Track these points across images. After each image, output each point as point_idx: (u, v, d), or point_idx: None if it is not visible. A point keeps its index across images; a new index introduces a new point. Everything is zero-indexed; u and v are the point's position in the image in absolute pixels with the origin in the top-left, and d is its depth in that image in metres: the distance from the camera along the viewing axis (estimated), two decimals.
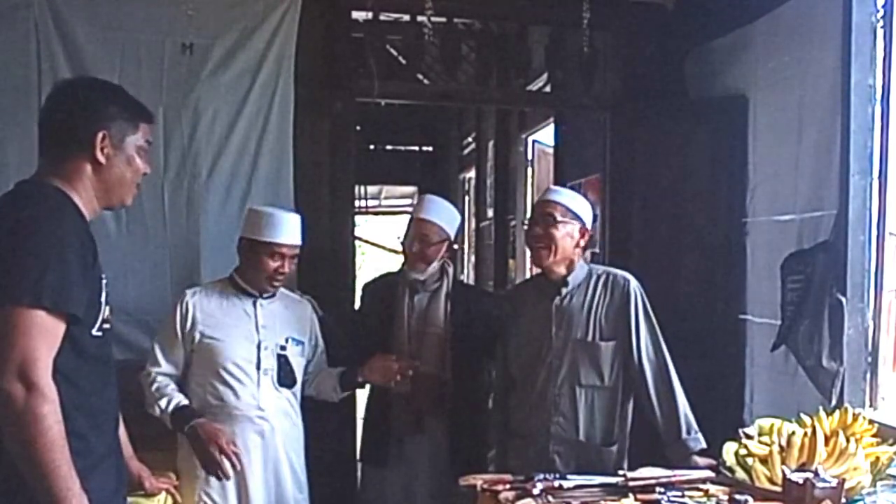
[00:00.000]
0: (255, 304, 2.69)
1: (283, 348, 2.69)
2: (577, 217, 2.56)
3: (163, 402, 2.54)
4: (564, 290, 2.57)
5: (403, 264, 3.00)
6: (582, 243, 2.58)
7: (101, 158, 1.71)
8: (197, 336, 2.61)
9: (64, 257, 1.58)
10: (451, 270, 2.99)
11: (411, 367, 2.73)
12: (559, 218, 2.53)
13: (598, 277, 2.58)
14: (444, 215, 2.97)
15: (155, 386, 2.58)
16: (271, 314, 2.71)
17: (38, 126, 1.76)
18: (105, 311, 1.72)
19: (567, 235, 2.54)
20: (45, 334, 1.55)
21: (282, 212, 2.74)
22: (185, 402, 2.58)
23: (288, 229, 2.68)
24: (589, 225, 2.60)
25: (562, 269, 2.57)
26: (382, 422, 2.93)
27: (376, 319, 2.99)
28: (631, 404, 2.59)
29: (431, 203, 3.02)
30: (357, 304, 3.35)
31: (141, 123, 1.79)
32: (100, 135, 1.70)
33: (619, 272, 2.60)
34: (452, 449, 2.91)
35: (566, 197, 2.61)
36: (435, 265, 2.90)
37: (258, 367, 2.64)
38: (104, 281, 1.73)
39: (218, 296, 2.68)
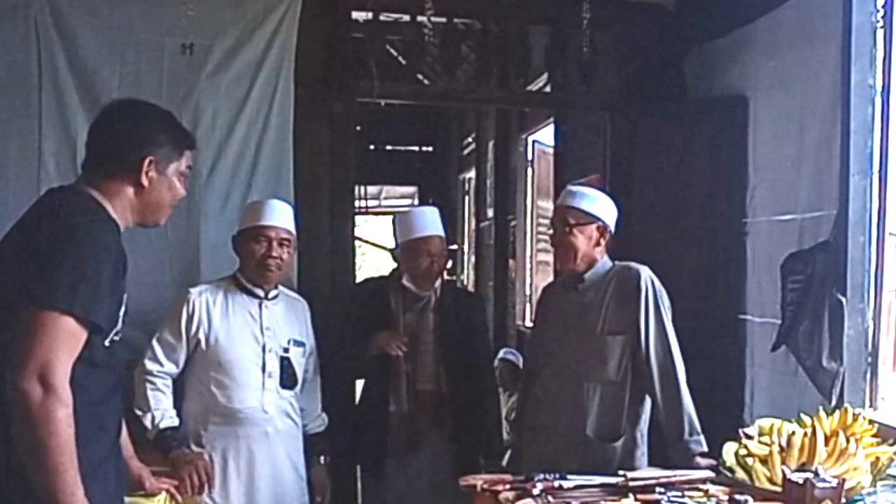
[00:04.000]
0: (260, 305, 2.68)
1: (286, 350, 2.70)
2: (595, 218, 2.58)
3: (157, 416, 2.52)
4: (581, 286, 2.60)
5: (394, 271, 3.00)
6: (602, 242, 2.60)
7: (145, 182, 1.76)
8: (202, 338, 2.60)
9: (99, 268, 1.61)
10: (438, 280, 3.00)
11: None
12: (574, 223, 2.56)
13: (616, 272, 2.59)
14: (439, 223, 2.96)
15: (151, 391, 2.54)
16: (275, 316, 2.71)
17: (87, 140, 1.80)
18: (119, 326, 1.74)
19: (585, 238, 2.57)
20: (69, 340, 1.58)
21: (268, 200, 2.80)
22: (175, 422, 2.55)
23: (271, 213, 2.69)
24: (611, 222, 2.61)
25: (582, 267, 2.60)
26: (379, 438, 2.92)
27: (369, 331, 2.93)
28: (646, 400, 2.58)
29: (427, 216, 2.99)
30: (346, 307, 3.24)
31: (185, 150, 1.85)
32: (147, 161, 1.75)
33: (635, 265, 2.59)
34: (454, 460, 2.92)
35: (582, 200, 2.61)
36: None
37: (263, 370, 2.64)
38: (125, 296, 1.75)
39: (223, 297, 2.66)
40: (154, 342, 2.60)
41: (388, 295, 2.96)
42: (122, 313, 1.74)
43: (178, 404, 2.63)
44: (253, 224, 2.68)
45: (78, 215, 1.66)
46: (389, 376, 2.90)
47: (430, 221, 2.95)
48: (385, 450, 2.92)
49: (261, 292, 2.69)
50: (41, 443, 1.53)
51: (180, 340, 2.60)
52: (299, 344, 2.74)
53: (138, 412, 2.51)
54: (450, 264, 9.15)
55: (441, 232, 2.94)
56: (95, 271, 1.61)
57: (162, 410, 2.54)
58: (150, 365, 2.57)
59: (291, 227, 2.74)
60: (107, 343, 1.70)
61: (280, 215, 2.72)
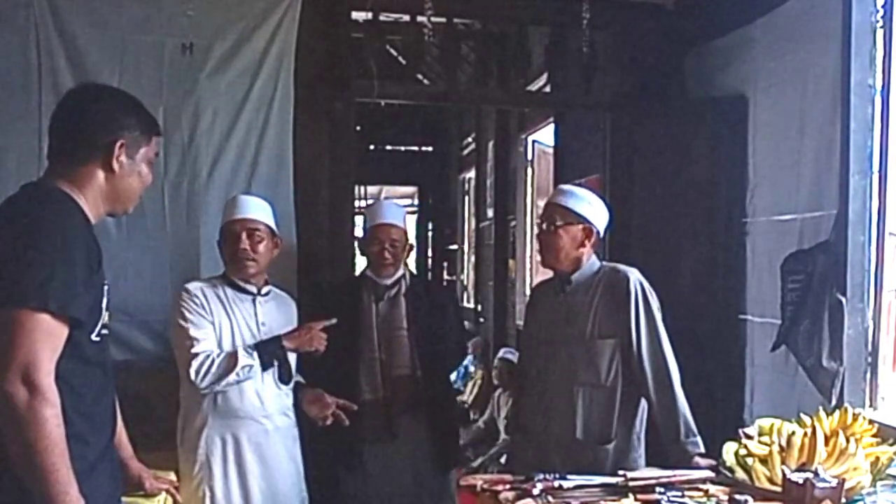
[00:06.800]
0: (254, 301, 2.68)
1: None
2: (581, 218, 2.56)
3: (241, 354, 2.51)
4: (568, 288, 2.59)
5: (365, 269, 3.04)
6: (587, 243, 2.57)
7: (115, 166, 1.73)
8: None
9: (70, 262, 1.59)
10: (406, 270, 3.05)
11: (349, 409, 2.74)
12: (559, 222, 2.54)
13: (604, 274, 2.57)
14: (402, 217, 3.06)
15: (212, 360, 2.50)
16: (269, 312, 2.71)
17: (50, 129, 1.76)
18: (105, 317, 1.72)
19: (568, 238, 2.55)
20: (48, 337, 1.56)
21: (241, 195, 2.80)
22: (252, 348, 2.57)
23: (242, 207, 2.68)
24: (599, 224, 2.59)
25: (568, 268, 2.58)
26: (353, 428, 2.88)
27: (341, 328, 2.91)
28: (641, 403, 2.57)
29: (390, 207, 3.08)
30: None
31: (153, 136, 1.82)
32: (118, 143, 1.72)
33: (623, 268, 2.57)
34: (433, 446, 2.95)
35: (570, 198, 2.59)
36: (402, 269, 2.98)
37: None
38: (106, 287, 1.73)
39: (218, 294, 2.65)
40: (185, 340, 2.52)
41: (360, 290, 3.00)
42: (104, 305, 1.72)
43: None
44: (226, 219, 2.68)
45: (43, 210, 1.63)
46: (360, 364, 2.93)
47: (388, 212, 3.02)
48: (361, 439, 2.92)
49: (253, 289, 2.68)
50: (31, 444, 1.52)
51: (203, 319, 2.56)
52: None
53: (234, 377, 2.49)
54: (447, 264, 9.22)
55: (398, 222, 3.00)
56: (66, 265, 1.58)
57: (235, 350, 2.53)
58: (197, 349, 2.50)
59: (262, 217, 2.68)
60: (94, 337, 1.68)
61: (249, 207, 2.68)
